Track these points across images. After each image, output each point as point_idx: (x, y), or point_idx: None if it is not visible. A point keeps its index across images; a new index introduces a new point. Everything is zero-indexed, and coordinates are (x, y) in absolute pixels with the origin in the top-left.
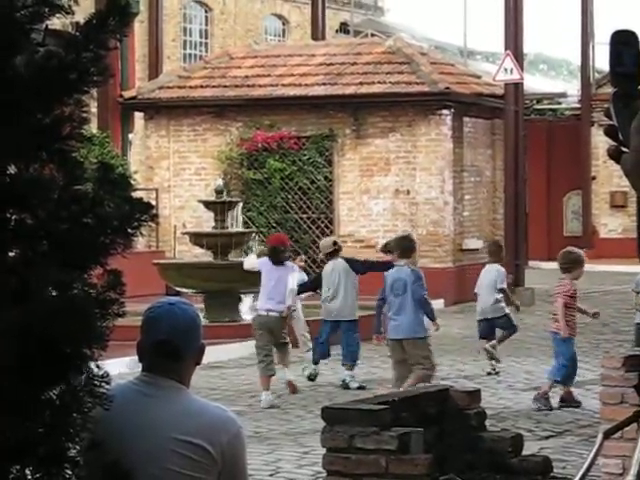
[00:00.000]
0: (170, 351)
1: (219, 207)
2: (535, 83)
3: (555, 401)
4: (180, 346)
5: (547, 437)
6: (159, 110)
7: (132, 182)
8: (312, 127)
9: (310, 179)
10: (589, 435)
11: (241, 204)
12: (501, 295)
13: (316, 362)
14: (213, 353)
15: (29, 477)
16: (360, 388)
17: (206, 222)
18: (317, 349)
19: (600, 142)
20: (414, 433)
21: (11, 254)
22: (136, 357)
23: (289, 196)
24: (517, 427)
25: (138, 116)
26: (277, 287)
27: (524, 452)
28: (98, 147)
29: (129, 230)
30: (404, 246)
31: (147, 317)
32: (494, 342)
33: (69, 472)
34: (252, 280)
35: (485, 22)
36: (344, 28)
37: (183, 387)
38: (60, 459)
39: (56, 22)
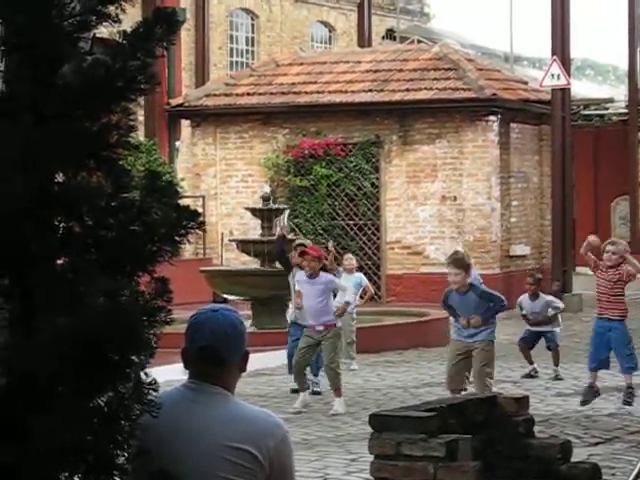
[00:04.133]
0: (213, 357)
1: (266, 214)
2: (582, 89)
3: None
4: (222, 352)
5: (596, 444)
6: (206, 117)
7: (179, 190)
8: (358, 134)
9: (357, 186)
10: (638, 442)
11: (288, 211)
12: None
13: None
14: (261, 360)
15: None
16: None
17: (253, 229)
18: None
19: None
20: (462, 440)
21: (59, 262)
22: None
23: (336, 203)
24: (566, 434)
25: (185, 124)
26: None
27: (573, 459)
28: (145, 155)
29: (176, 238)
30: None
31: (190, 324)
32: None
33: (117, 479)
34: None
35: (531, 28)
36: (390, 34)
37: (229, 393)
38: (108, 466)
39: (103, 31)
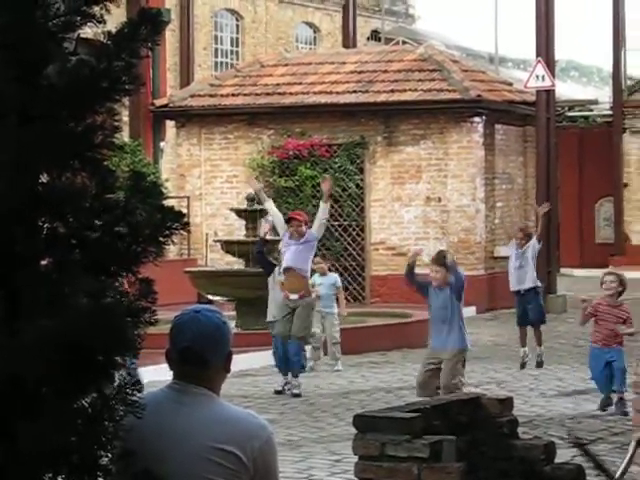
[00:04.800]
0: (195, 358)
1: (250, 215)
2: (567, 90)
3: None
4: (204, 353)
5: None
6: (190, 118)
7: (164, 190)
8: (343, 135)
9: (341, 187)
10: (622, 443)
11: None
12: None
13: None
14: (245, 360)
15: None
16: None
17: (238, 230)
18: None
19: (632, 149)
20: (446, 441)
21: (44, 262)
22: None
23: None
24: (549, 435)
25: (170, 124)
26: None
27: (557, 460)
28: (130, 155)
29: (161, 238)
30: None
31: (173, 325)
32: None
33: None
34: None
35: (516, 29)
36: (375, 36)
37: (213, 394)
38: (92, 467)
39: (88, 31)
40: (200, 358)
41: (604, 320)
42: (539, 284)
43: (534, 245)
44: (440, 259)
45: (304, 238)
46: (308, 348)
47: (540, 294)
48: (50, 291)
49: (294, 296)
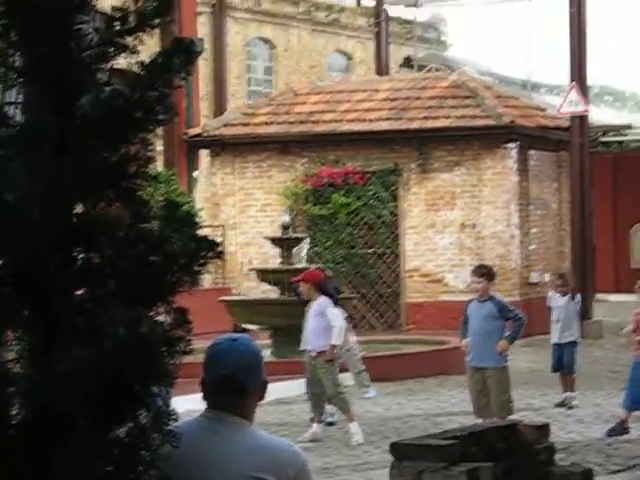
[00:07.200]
0: (233, 387)
1: (285, 243)
2: (600, 115)
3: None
4: (243, 381)
5: (617, 471)
6: (224, 147)
7: (198, 220)
8: (377, 162)
9: (376, 214)
10: None
11: (307, 240)
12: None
13: None
14: (281, 389)
15: None
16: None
17: (272, 258)
18: None
19: None
20: (483, 468)
21: (79, 292)
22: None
23: (355, 231)
24: (587, 461)
25: (203, 153)
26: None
27: None
28: (164, 185)
29: (195, 267)
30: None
31: (209, 353)
32: None
33: None
34: None
35: (548, 54)
36: (408, 63)
37: (248, 422)
38: None
39: (121, 62)
40: (239, 386)
41: None
42: (579, 339)
43: (574, 299)
44: (480, 270)
45: (315, 302)
46: None
47: (577, 347)
48: (85, 321)
49: (312, 353)
